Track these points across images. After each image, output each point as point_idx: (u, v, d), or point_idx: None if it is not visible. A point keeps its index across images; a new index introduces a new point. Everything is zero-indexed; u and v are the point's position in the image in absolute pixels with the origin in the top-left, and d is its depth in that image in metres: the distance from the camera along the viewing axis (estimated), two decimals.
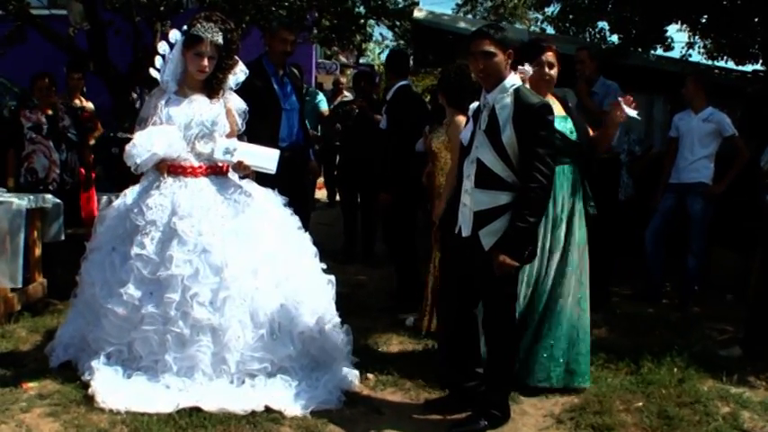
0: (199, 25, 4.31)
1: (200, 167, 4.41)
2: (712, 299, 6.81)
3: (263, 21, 6.78)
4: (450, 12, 18.13)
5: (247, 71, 4.64)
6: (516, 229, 3.69)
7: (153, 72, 4.47)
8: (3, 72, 9.48)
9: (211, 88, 4.45)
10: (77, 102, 7.07)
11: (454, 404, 4.13)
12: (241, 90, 4.66)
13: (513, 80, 3.85)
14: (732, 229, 7.00)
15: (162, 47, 4.46)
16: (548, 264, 4.41)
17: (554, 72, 4.42)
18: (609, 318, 6.07)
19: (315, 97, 9.58)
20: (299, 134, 6.04)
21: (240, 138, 4.57)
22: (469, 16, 19.61)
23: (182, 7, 7.12)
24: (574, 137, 4.42)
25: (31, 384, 4.24)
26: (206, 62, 4.33)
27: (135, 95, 7.99)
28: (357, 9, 7.46)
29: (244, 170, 4.44)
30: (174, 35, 4.44)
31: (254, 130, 4.81)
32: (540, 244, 4.16)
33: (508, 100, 3.78)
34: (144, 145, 4.21)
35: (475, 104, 4.07)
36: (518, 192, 3.74)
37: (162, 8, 6.86)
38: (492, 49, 3.78)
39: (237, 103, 4.60)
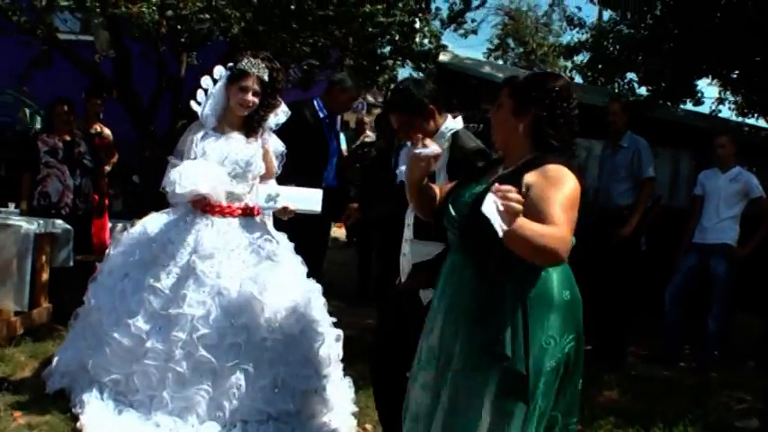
0: (246, 61, 4.28)
1: (228, 207, 4.33)
2: (733, 365, 6.60)
3: (285, 57, 6.77)
4: (481, 56, 18.17)
5: (289, 112, 4.58)
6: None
7: (194, 105, 4.41)
8: (32, 95, 9.57)
9: (251, 126, 4.38)
10: (96, 128, 7.10)
11: None
12: (291, 129, 4.60)
13: (450, 125, 3.72)
14: (757, 294, 6.81)
15: (206, 81, 4.40)
16: None
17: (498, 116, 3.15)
18: (622, 379, 5.91)
19: None
20: (335, 178, 6.09)
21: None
22: (500, 61, 19.67)
23: (209, 39, 7.12)
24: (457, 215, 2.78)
25: (20, 413, 4.17)
26: (250, 96, 4.27)
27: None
28: (381, 50, 7.45)
29: (289, 215, 4.31)
30: (219, 71, 4.38)
31: (301, 171, 4.76)
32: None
33: (445, 146, 3.64)
34: (190, 177, 4.13)
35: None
36: None
37: (183, 39, 6.87)
38: (409, 118, 3.68)
39: (276, 145, 4.54)
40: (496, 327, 2.55)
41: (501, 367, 2.53)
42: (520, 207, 2.23)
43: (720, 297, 6.44)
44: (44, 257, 5.82)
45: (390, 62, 7.54)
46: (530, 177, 2.58)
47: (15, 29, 7.29)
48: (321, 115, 5.84)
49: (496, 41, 23.46)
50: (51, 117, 6.62)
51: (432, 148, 2.90)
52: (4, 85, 9.06)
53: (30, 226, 5.51)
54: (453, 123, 3.74)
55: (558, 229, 2.42)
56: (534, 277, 2.59)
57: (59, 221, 6.00)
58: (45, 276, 5.89)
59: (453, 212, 2.77)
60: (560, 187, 2.54)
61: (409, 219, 3.70)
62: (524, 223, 2.29)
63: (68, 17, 8.06)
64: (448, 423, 2.61)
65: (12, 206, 6.12)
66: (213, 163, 4.25)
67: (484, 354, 2.56)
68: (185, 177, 4.14)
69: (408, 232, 3.70)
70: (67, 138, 6.50)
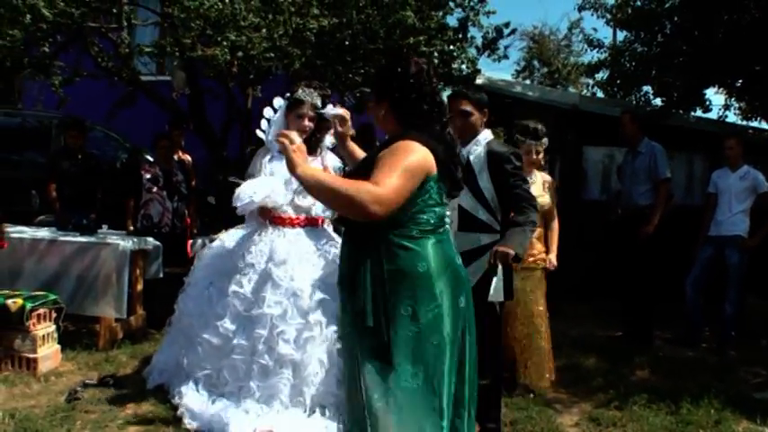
0: (300, 90, 4.40)
1: (297, 219, 4.43)
2: (748, 344, 6.55)
3: (341, 86, 6.87)
4: (510, 77, 18.02)
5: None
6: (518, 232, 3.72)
7: (259, 133, 4.56)
8: (116, 129, 9.80)
9: (310, 147, 4.35)
10: (178, 155, 7.27)
11: None
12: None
13: (486, 135, 3.92)
14: (766, 280, 6.75)
15: (268, 112, 4.53)
16: None
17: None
18: (651, 360, 5.88)
19: None
20: None
21: None
22: (527, 81, 19.51)
23: (271, 74, 7.25)
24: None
25: (128, 404, 4.30)
26: (306, 122, 4.38)
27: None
28: None
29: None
30: (278, 101, 4.51)
31: None
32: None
33: (481, 150, 3.84)
34: (247, 191, 4.23)
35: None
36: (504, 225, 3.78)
37: (251, 76, 7.01)
38: (469, 108, 3.89)
39: (334, 161, 4.59)
40: (361, 298, 2.50)
41: (367, 335, 2.48)
42: (296, 142, 2.44)
43: (735, 283, 6.39)
44: (138, 271, 5.95)
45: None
46: (382, 153, 2.51)
47: (104, 73, 7.55)
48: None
49: (523, 63, 23.25)
50: (153, 150, 6.85)
51: (334, 110, 3.27)
52: (95, 122, 9.30)
53: (125, 243, 5.62)
54: (489, 135, 3.96)
55: (371, 187, 2.35)
56: (392, 252, 2.51)
57: (150, 239, 6.12)
58: (139, 287, 6.03)
59: None
60: (397, 156, 2.45)
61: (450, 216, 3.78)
62: (320, 174, 2.38)
63: (148, 61, 8.29)
64: (346, 389, 2.60)
65: (105, 227, 6.25)
66: (268, 177, 4.35)
67: (354, 322, 2.53)
68: (243, 193, 4.23)
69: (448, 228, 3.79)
70: (166, 167, 6.72)
